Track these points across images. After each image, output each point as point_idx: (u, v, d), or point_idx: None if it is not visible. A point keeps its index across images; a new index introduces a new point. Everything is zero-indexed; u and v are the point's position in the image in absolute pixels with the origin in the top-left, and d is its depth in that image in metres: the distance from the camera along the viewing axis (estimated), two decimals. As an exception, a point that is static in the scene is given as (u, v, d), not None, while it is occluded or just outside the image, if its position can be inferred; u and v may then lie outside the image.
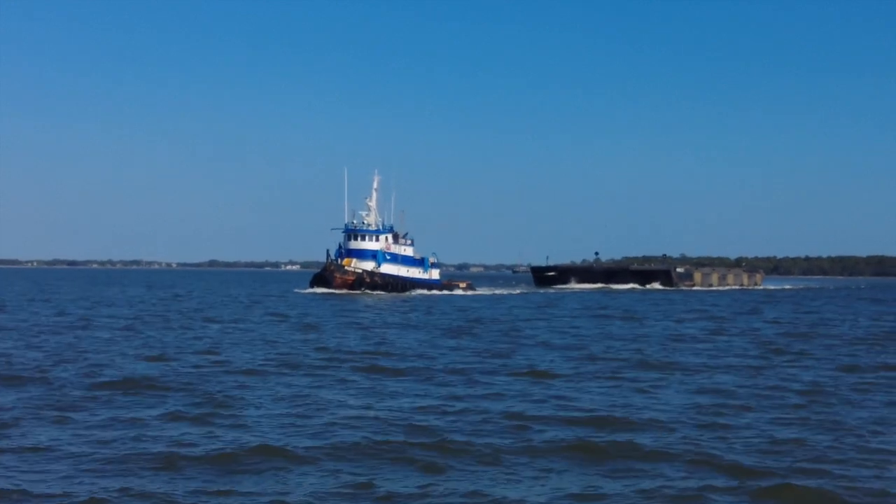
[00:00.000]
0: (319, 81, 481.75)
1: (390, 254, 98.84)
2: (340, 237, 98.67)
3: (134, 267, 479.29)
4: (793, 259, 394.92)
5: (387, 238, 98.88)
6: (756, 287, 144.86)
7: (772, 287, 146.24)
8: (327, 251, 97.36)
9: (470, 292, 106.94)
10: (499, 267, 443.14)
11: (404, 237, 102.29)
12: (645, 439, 16.47)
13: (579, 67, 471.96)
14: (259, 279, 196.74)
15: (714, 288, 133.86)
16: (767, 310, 69.41)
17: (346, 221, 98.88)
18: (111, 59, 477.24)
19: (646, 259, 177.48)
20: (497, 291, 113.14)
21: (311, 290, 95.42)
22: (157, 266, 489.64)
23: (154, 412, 18.83)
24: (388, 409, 19.47)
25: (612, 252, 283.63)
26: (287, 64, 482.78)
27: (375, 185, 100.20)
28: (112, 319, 48.47)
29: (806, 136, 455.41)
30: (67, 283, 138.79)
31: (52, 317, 49.64)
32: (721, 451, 15.62)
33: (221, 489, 13.08)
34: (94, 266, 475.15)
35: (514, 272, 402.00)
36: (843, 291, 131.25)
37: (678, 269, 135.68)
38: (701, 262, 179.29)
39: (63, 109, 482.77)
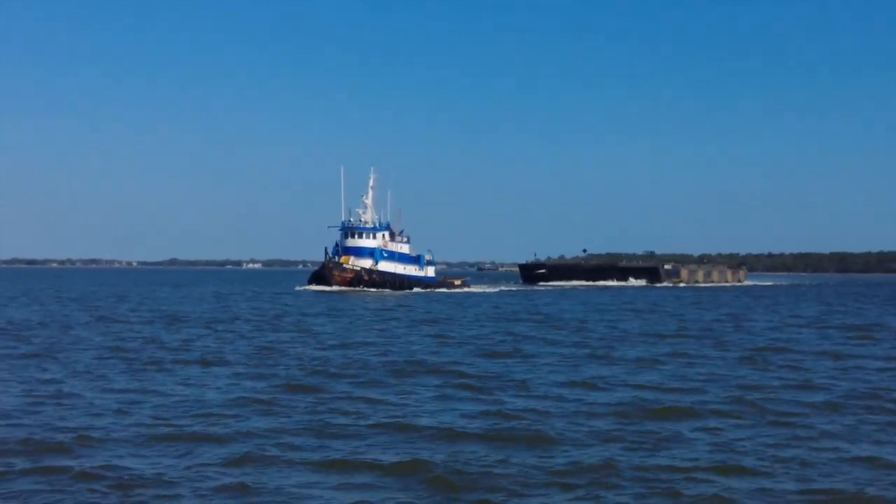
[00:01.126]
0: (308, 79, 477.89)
1: (387, 251, 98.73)
2: (337, 235, 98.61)
3: (93, 266, 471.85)
4: (756, 256, 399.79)
5: (384, 236, 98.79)
6: (741, 283, 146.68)
7: (758, 283, 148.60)
8: (326, 249, 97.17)
9: (465, 290, 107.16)
10: (462, 265, 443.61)
11: (400, 234, 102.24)
12: None
13: (572, 66, 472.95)
14: (252, 279, 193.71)
15: (701, 284, 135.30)
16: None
17: (343, 219, 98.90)
18: (86, 56, 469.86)
19: (620, 256, 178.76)
20: (488, 289, 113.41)
21: (309, 288, 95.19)
22: (117, 265, 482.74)
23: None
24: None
25: (568, 250, 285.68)
26: (285, 63, 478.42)
27: (371, 182, 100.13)
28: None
29: (770, 134, 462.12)
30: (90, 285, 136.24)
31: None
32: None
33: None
34: (54, 265, 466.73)
35: (480, 269, 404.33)
36: (850, 287, 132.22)
37: (666, 267, 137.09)
38: (663, 260, 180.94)
39: (17, 105, 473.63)
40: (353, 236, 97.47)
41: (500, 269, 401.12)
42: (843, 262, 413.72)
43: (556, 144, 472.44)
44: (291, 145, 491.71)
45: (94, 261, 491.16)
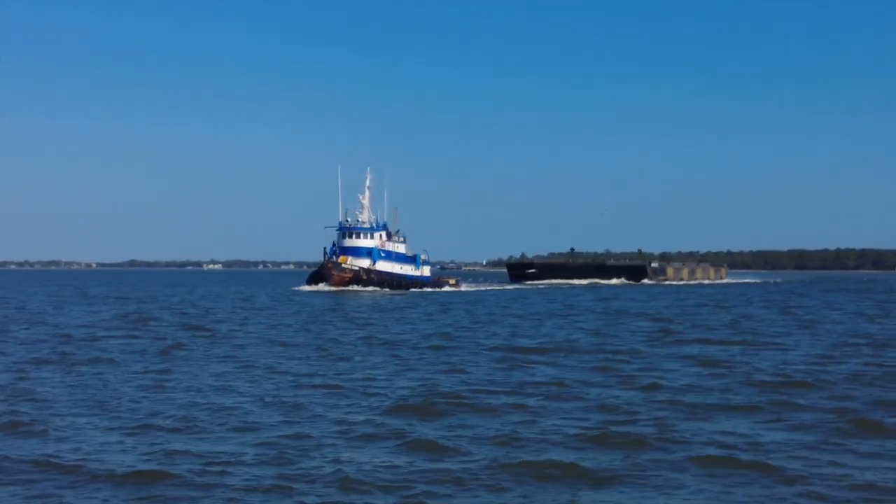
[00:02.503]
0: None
1: (385, 251, 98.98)
2: (334, 235, 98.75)
3: (52, 268, 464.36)
4: (715, 254, 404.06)
5: (381, 235, 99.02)
6: (722, 280, 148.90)
7: (738, 280, 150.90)
8: (324, 249, 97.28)
9: (459, 289, 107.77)
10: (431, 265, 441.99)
11: (396, 234, 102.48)
12: None
13: (567, 67, 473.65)
14: (243, 279, 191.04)
15: (685, 282, 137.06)
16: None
17: (340, 219, 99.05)
18: (41, 50, 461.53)
19: (596, 255, 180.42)
20: (482, 287, 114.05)
21: (309, 288, 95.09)
22: (76, 266, 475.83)
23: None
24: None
25: (549, 248, 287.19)
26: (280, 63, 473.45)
27: (368, 182, 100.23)
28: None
29: (720, 132, 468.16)
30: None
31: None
32: None
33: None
34: (12, 267, 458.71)
35: (442, 269, 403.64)
36: (827, 284, 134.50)
37: (652, 265, 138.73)
38: (625, 257, 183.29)
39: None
40: (350, 236, 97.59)
41: (462, 268, 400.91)
42: (801, 259, 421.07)
43: (539, 143, 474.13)
44: (245, 146, 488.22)
45: (53, 262, 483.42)
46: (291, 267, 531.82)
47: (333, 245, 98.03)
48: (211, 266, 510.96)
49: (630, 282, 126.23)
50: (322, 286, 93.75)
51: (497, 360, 27.72)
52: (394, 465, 13.82)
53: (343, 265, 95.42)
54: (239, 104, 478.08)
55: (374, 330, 39.84)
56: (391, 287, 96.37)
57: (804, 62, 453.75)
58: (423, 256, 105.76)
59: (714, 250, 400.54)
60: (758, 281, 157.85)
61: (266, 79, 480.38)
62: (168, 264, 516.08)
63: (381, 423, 16.91)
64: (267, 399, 19.69)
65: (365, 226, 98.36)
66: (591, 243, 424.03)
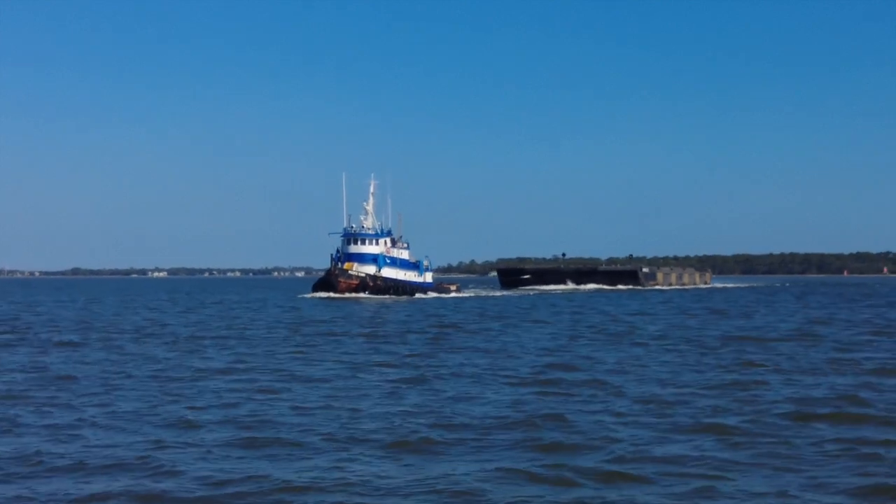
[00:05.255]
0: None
1: (390, 257, 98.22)
2: (339, 241, 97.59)
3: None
4: (663, 258, 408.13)
5: (386, 242, 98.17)
6: (707, 285, 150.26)
7: (732, 285, 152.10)
8: (331, 256, 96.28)
9: (461, 294, 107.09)
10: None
11: (400, 240, 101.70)
12: None
13: (562, 72, 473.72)
14: (241, 285, 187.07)
15: (674, 287, 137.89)
16: None
17: (344, 225, 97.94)
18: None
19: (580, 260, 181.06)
20: (492, 293, 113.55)
21: (315, 295, 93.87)
22: (19, 275, 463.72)
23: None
24: None
25: (534, 253, 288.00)
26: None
27: (372, 189, 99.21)
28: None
29: (667, 138, 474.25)
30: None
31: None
32: None
33: None
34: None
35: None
36: (811, 288, 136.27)
37: (644, 270, 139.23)
38: (615, 262, 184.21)
39: None
40: (355, 242, 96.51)
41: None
42: (747, 264, 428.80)
43: (524, 147, 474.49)
44: (170, 146, 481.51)
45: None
46: (237, 274, 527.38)
47: (337, 251, 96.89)
48: (156, 274, 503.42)
49: (628, 287, 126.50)
50: (325, 293, 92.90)
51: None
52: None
53: (349, 272, 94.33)
54: (229, 107, 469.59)
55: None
56: (396, 293, 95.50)
57: (754, 59, 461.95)
58: (425, 262, 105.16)
59: (661, 255, 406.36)
60: (743, 285, 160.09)
61: (267, 81, 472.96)
62: (112, 272, 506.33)
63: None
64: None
65: (370, 232, 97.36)
66: (578, 248, 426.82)
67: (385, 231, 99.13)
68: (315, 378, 24.22)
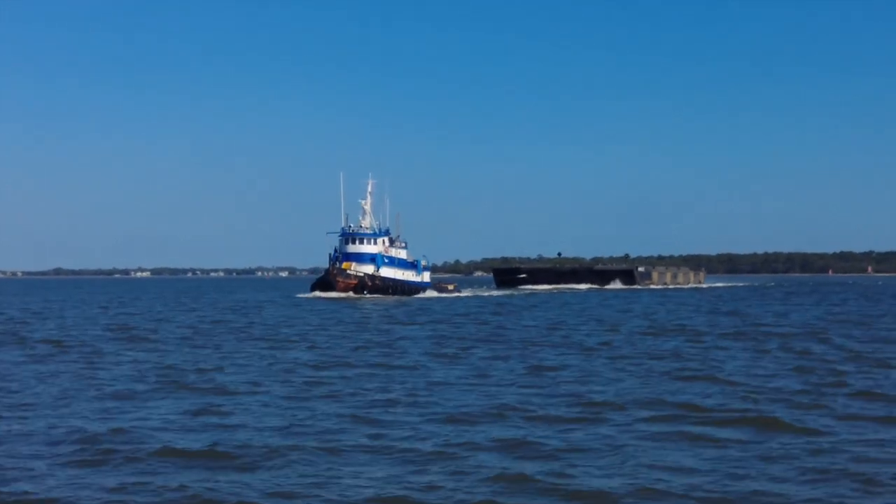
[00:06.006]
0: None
1: (388, 257, 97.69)
2: (336, 241, 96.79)
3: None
4: (646, 258, 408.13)
5: (384, 241, 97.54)
6: (702, 285, 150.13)
7: (725, 284, 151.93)
8: (329, 255, 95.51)
9: (460, 294, 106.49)
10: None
11: (398, 240, 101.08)
12: None
13: (560, 74, 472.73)
14: (232, 286, 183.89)
15: (670, 286, 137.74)
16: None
17: (342, 225, 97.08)
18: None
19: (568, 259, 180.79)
20: (491, 293, 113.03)
21: (313, 295, 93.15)
22: (1, 276, 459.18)
23: None
24: None
25: (530, 252, 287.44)
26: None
27: (370, 188, 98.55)
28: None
29: (652, 138, 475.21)
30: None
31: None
32: None
33: None
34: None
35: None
36: (811, 287, 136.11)
37: (639, 269, 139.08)
38: (611, 262, 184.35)
39: None
40: (353, 242, 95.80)
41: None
42: (731, 263, 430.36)
43: (520, 147, 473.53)
44: (154, 146, 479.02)
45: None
46: (221, 274, 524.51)
47: (335, 251, 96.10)
48: (139, 274, 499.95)
49: (625, 286, 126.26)
50: (324, 293, 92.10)
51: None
52: None
53: (348, 271, 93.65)
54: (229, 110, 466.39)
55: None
56: (395, 293, 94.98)
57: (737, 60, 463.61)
58: (423, 262, 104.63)
59: (644, 255, 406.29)
60: (740, 284, 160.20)
61: (265, 83, 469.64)
62: (95, 272, 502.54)
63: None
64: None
65: (368, 231, 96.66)
66: (560, 247, 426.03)
67: (383, 230, 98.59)
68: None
